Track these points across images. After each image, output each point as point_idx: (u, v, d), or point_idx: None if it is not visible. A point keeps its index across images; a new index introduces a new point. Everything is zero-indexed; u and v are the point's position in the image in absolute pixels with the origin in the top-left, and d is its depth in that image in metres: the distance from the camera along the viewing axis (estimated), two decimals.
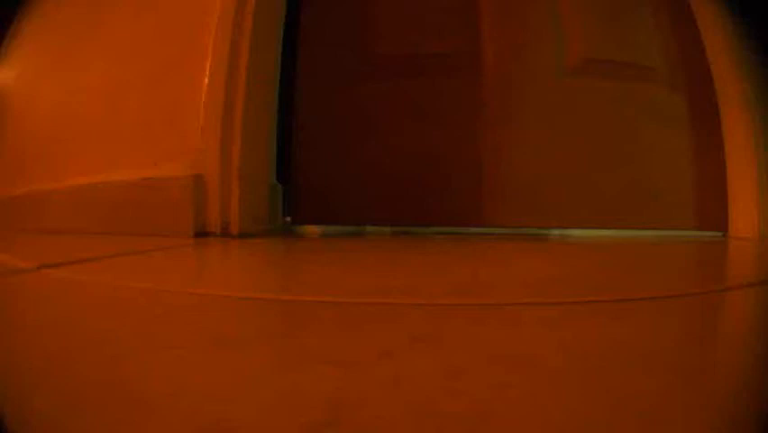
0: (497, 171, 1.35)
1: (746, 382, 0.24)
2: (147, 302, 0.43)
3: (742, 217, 1.30)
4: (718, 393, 0.23)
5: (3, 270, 0.63)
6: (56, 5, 1.59)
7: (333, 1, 1.42)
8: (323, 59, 1.42)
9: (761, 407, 0.21)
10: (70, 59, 1.48)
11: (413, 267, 0.68)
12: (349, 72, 1.40)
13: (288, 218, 1.41)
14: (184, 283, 0.55)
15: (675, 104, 1.37)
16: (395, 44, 1.39)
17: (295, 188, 1.40)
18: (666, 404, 0.21)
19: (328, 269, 0.66)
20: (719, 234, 1.35)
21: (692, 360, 0.28)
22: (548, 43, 1.36)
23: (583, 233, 1.40)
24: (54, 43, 1.56)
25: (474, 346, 0.30)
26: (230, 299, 0.45)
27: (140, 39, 1.30)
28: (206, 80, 1.16)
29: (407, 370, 0.25)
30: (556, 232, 1.42)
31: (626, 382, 0.24)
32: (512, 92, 1.36)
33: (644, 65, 1.36)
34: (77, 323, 0.36)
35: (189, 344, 0.30)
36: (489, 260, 0.81)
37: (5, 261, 0.73)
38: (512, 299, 0.45)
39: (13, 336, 0.33)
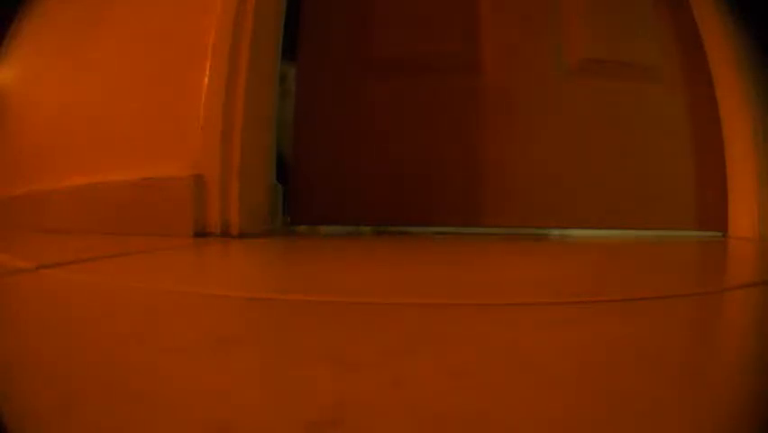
0: (496, 171, 1.35)
1: (747, 382, 0.24)
2: (147, 302, 0.43)
3: (742, 217, 1.30)
4: (720, 393, 0.23)
5: (2, 270, 0.63)
6: (56, 5, 1.59)
7: (332, 1, 1.42)
8: (322, 58, 1.41)
9: (762, 407, 0.21)
10: (70, 59, 1.48)
11: (414, 267, 0.68)
12: (348, 72, 1.40)
13: (288, 218, 1.41)
14: (184, 283, 0.54)
15: (675, 103, 1.37)
16: (394, 44, 1.39)
17: (295, 189, 1.40)
18: (667, 404, 0.21)
19: (329, 269, 0.66)
20: (719, 234, 1.35)
21: (694, 360, 0.28)
22: (548, 43, 1.36)
23: (583, 233, 1.40)
24: (54, 43, 1.56)
25: (477, 346, 0.30)
26: (230, 298, 0.45)
27: (140, 39, 1.30)
28: (206, 80, 1.16)
29: (410, 370, 0.25)
30: (556, 232, 1.42)
31: (627, 382, 0.24)
32: (511, 92, 1.36)
33: (644, 65, 1.36)
34: (76, 323, 0.36)
35: (190, 344, 0.30)
36: (490, 260, 0.81)
37: (5, 261, 0.73)
38: (514, 299, 0.45)
39: (13, 336, 0.33)
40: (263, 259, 0.82)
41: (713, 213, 1.35)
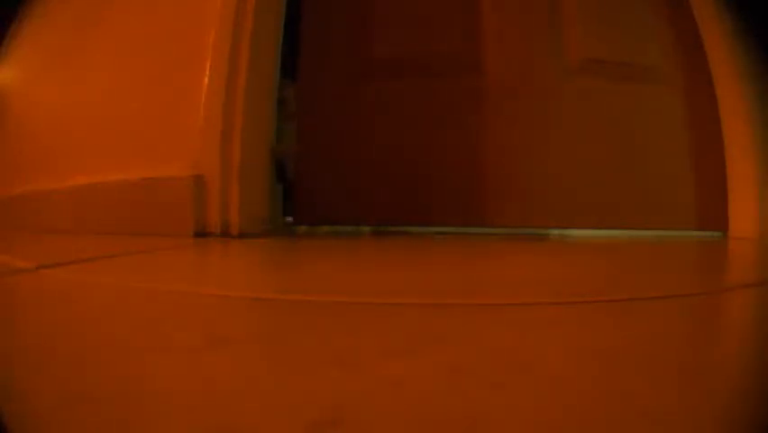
0: (497, 171, 1.35)
1: (747, 382, 0.24)
2: (147, 302, 0.43)
3: (742, 217, 1.30)
4: (720, 393, 0.23)
5: (2, 270, 0.63)
6: (56, 5, 1.59)
7: (333, 1, 1.42)
8: (322, 59, 1.41)
9: (762, 407, 0.21)
10: (71, 59, 1.48)
11: (414, 267, 0.68)
12: (349, 72, 1.40)
13: (288, 218, 1.41)
14: (184, 283, 0.54)
15: (675, 103, 1.37)
16: (395, 45, 1.39)
17: (295, 189, 1.40)
18: (667, 404, 0.21)
19: (328, 269, 0.66)
20: (719, 233, 1.35)
21: (694, 360, 0.28)
22: (548, 43, 1.36)
23: (583, 233, 1.39)
24: (54, 43, 1.56)
25: (477, 346, 0.30)
26: (230, 299, 0.45)
27: (140, 39, 1.30)
28: (206, 80, 1.16)
29: (410, 370, 0.25)
30: (556, 232, 1.42)
31: (627, 382, 0.24)
32: (511, 92, 1.36)
33: (644, 65, 1.36)
34: (76, 323, 0.36)
35: (190, 344, 0.30)
36: (491, 260, 0.81)
37: (5, 261, 0.73)
38: (515, 299, 0.45)
39: (13, 336, 0.33)
40: (263, 259, 0.82)
41: (713, 213, 1.35)
